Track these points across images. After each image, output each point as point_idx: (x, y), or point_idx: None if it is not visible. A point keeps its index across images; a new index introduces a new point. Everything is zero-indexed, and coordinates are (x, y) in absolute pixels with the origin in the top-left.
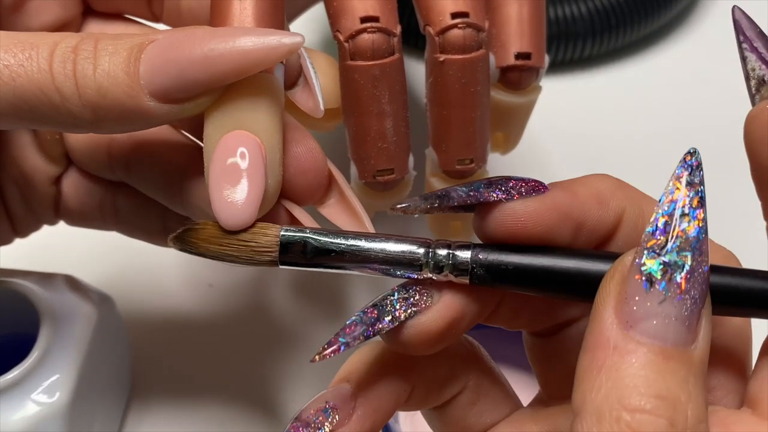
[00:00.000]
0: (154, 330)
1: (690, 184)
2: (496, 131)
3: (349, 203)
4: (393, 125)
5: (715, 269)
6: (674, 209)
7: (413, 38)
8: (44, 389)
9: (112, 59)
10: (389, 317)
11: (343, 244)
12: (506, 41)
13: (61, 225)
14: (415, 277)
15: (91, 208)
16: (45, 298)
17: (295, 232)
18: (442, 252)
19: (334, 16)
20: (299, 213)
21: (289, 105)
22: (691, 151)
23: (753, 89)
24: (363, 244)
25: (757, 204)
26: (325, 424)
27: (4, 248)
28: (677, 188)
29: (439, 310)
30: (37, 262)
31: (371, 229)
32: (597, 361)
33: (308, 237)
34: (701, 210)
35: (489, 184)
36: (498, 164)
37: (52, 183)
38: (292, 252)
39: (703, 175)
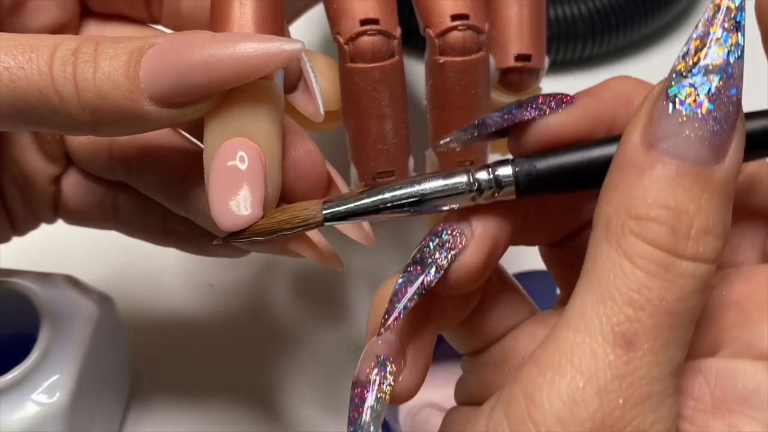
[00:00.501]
0: (155, 330)
1: (727, 9)
2: None
3: None
4: (393, 127)
5: (751, 115)
6: (706, 32)
7: (413, 39)
8: (44, 389)
9: (112, 63)
10: (434, 269)
11: (387, 197)
12: (506, 43)
13: (62, 225)
14: (458, 207)
15: (91, 208)
16: (45, 298)
17: (334, 206)
18: (483, 175)
19: (334, 18)
20: None
21: (288, 107)
22: None
23: None
24: (404, 191)
25: None
26: (387, 376)
27: (4, 248)
28: (713, 12)
29: (477, 245)
30: (37, 262)
31: (370, 233)
32: (615, 179)
33: (349, 207)
34: (735, 34)
35: (520, 105)
36: None
37: (52, 182)
38: (337, 218)
39: (743, 3)
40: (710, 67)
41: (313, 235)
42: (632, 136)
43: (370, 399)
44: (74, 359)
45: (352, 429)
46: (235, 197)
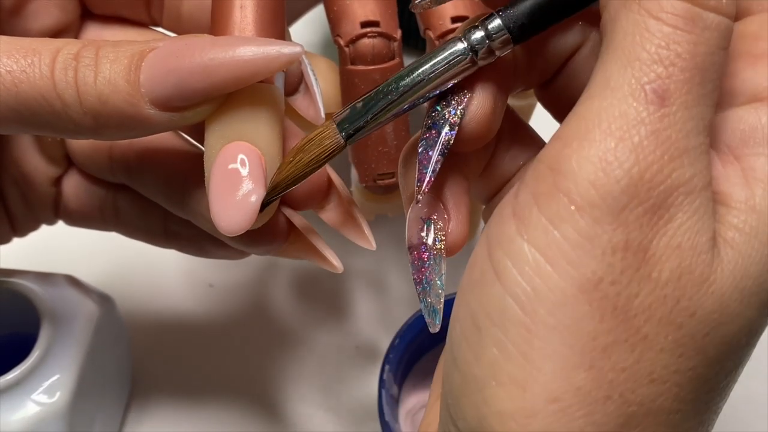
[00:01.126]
0: (155, 330)
1: None
2: None
3: (347, 208)
4: (393, 129)
5: None
6: None
7: (413, 40)
8: (44, 389)
9: (113, 67)
10: (447, 127)
11: (394, 95)
12: None
13: (62, 225)
14: (462, 76)
15: (92, 209)
16: (45, 298)
17: (349, 124)
18: (477, 34)
19: (334, 21)
20: (298, 221)
21: (289, 110)
22: None
23: None
24: (407, 81)
25: None
26: (438, 233)
27: (4, 248)
28: None
29: (480, 93)
30: (38, 262)
31: (369, 234)
32: None
33: (364, 119)
34: None
35: None
36: None
37: (53, 183)
38: (350, 127)
39: None
40: None
41: (313, 235)
42: None
43: (429, 259)
44: (74, 359)
45: (420, 289)
46: (235, 201)
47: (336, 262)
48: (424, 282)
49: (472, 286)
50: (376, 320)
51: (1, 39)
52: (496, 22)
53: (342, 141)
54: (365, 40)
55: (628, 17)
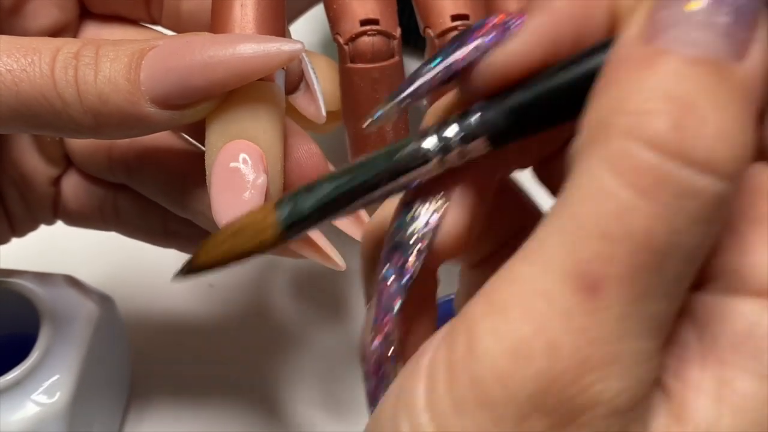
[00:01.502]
0: (155, 330)
1: None
2: None
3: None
4: (393, 127)
5: None
6: None
7: (413, 39)
8: (44, 389)
9: (113, 66)
10: (414, 255)
11: (342, 186)
12: None
13: (62, 225)
14: (431, 173)
15: (92, 209)
16: (45, 298)
17: (287, 200)
18: (450, 133)
19: (334, 19)
20: None
21: (289, 108)
22: None
23: None
24: (371, 167)
25: None
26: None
27: (4, 248)
28: None
29: (456, 209)
30: (38, 262)
31: None
32: (605, 80)
33: (299, 196)
34: None
35: (453, 46)
36: None
37: (52, 184)
38: (293, 222)
39: None
40: None
41: (314, 233)
42: (628, 31)
43: (387, 374)
44: (74, 359)
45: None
46: (237, 200)
47: (338, 260)
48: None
49: None
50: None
51: (1, 38)
52: (475, 119)
53: (279, 238)
54: (365, 38)
55: (587, 164)
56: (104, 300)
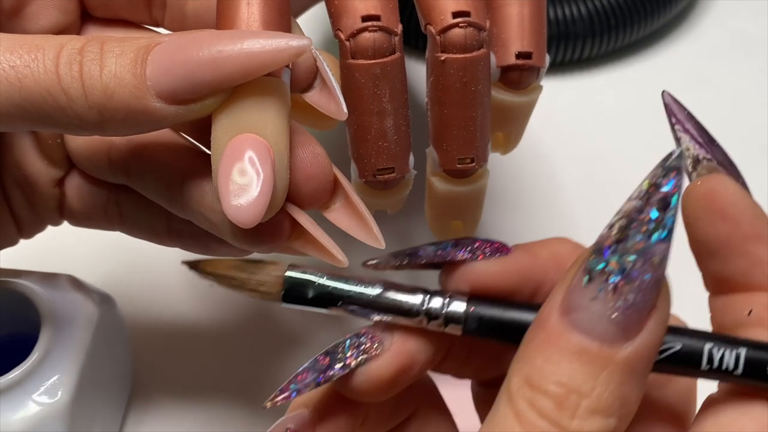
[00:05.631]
0: (156, 330)
1: (657, 186)
2: (496, 131)
3: (356, 208)
4: (393, 124)
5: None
6: (632, 211)
7: (414, 39)
8: (45, 389)
9: (119, 61)
10: (340, 364)
11: (345, 288)
12: (507, 41)
13: (63, 225)
14: (409, 323)
15: (96, 210)
16: (46, 298)
17: (299, 272)
18: (437, 303)
19: (335, 14)
20: (304, 219)
21: (292, 107)
22: (673, 153)
23: (689, 167)
24: (364, 291)
25: None
26: None
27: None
28: (642, 189)
29: (389, 357)
30: (39, 262)
31: (378, 234)
32: (529, 336)
33: (310, 279)
34: (662, 217)
35: (456, 244)
36: (498, 164)
37: (55, 185)
38: (294, 292)
39: (677, 182)
40: (629, 248)
41: (314, 230)
42: (554, 297)
43: None
44: (75, 359)
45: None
46: (244, 193)
47: (341, 257)
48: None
49: None
50: None
51: (2, 36)
52: (460, 307)
53: (274, 299)
54: (366, 34)
55: (503, 409)
56: (105, 300)
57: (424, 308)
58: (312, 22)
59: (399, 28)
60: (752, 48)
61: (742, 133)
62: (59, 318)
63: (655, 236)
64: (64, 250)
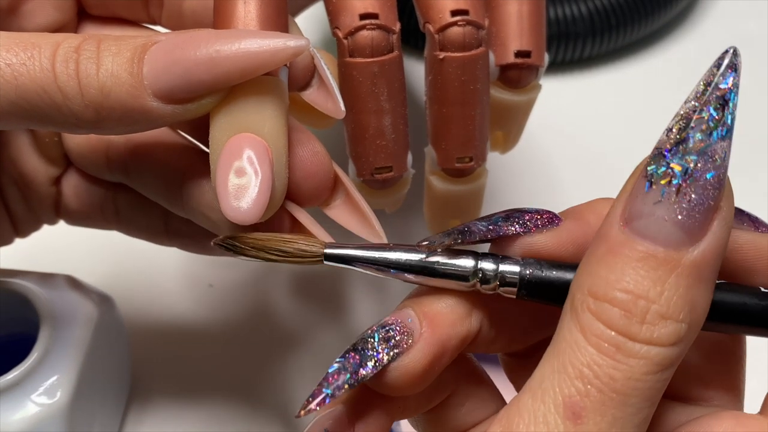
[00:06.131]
0: (155, 330)
1: (714, 85)
2: (495, 130)
3: (357, 205)
4: (392, 122)
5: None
6: (692, 110)
7: (413, 38)
8: (44, 390)
9: (116, 59)
10: (372, 362)
11: (392, 258)
12: (506, 39)
13: (62, 225)
14: (459, 288)
15: (92, 209)
16: (45, 298)
17: (338, 248)
18: (490, 266)
19: (333, 13)
20: (304, 218)
21: (291, 105)
22: (727, 51)
23: None
24: (409, 257)
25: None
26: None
27: (4, 248)
28: (699, 90)
29: (421, 348)
30: (38, 263)
31: (380, 230)
32: (590, 252)
33: (351, 254)
34: (721, 114)
35: (507, 217)
36: (497, 163)
37: (52, 184)
38: (336, 259)
39: (734, 79)
40: (690, 149)
41: (314, 228)
42: (615, 210)
43: None
44: (74, 359)
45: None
46: (243, 192)
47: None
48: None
49: None
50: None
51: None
52: (515, 268)
53: (321, 253)
54: (364, 32)
55: (568, 326)
56: (104, 300)
57: (476, 270)
58: (310, 20)
59: (397, 27)
60: (753, 48)
61: (741, 133)
62: (58, 318)
63: (715, 134)
64: (63, 250)
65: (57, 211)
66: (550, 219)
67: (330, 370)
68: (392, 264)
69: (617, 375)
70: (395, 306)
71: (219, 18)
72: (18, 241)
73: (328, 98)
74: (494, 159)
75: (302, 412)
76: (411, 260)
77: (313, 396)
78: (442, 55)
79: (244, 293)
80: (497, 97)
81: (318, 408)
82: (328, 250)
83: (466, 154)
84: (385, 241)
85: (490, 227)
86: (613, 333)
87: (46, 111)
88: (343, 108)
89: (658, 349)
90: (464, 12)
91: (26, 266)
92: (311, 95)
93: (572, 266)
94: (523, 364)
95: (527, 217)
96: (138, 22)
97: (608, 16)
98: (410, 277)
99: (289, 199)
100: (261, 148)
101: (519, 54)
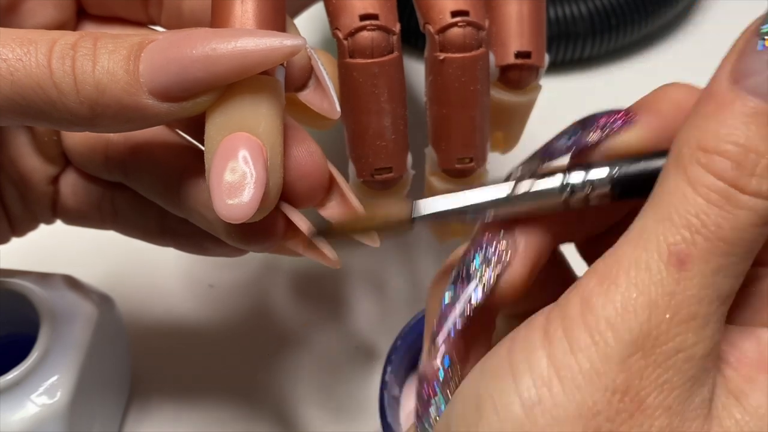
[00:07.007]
0: (154, 330)
1: None
2: (495, 130)
3: (351, 206)
4: (391, 123)
5: None
6: None
7: (413, 38)
8: (44, 390)
9: (112, 57)
10: (480, 287)
11: (479, 203)
12: (506, 40)
13: (61, 225)
14: (553, 205)
15: (90, 208)
16: (45, 298)
17: (424, 208)
18: (578, 177)
19: (333, 13)
20: (298, 218)
21: (288, 104)
22: None
23: None
24: (499, 194)
25: None
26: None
27: (4, 248)
28: None
29: (522, 259)
30: (37, 262)
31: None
32: (697, 109)
33: (440, 211)
34: None
35: (584, 125)
36: (498, 164)
37: (50, 183)
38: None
39: None
40: None
41: (307, 229)
42: (722, 69)
43: (436, 395)
44: (74, 360)
45: (420, 425)
46: (237, 193)
47: (333, 257)
48: (424, 420)
49: (486, 372)
50: (376, 320)
51: None
52: (603, 172)
53: (408, 226)
54: (364, 33)
55: (674, 178)
56: (104, 300)
57: (565, 185)
58: (310, 21)
59: (397, 27)
60: None
61: None
62: (58, 318)
63: None
64: (63, 250)
65: (54, 210)
66: (628, 118)
67: (444, 305)
68: (482, 208)
69: (725, 224)
70: (395, 306)
71: (216, 17)
72: (18, 241)
73: (323, 99)
74: (494, 159)
75: (432, 350)
76: (499, 198)
77: (437, 333)
78: (442, 55)
79: (244, 293)
80: (497, 97)
81: (444, 345)
82: (415, 214)
83: (467, 155)
84: (378, 242)
85: (571, 140)
86: (722, 184)
87: (42, 107)
88: (338, 109)
89: (765, 202)
90: (464, 13)
91: (26, 266)
92: (307, 96)
93: (658, 154)
94: (600, 243)
95: (603, 121)
96: (137, 21)
97: (608, 16)
98: (500, 212)
99: (284, 200)
100: (256, 147)
101: (519, 55)
